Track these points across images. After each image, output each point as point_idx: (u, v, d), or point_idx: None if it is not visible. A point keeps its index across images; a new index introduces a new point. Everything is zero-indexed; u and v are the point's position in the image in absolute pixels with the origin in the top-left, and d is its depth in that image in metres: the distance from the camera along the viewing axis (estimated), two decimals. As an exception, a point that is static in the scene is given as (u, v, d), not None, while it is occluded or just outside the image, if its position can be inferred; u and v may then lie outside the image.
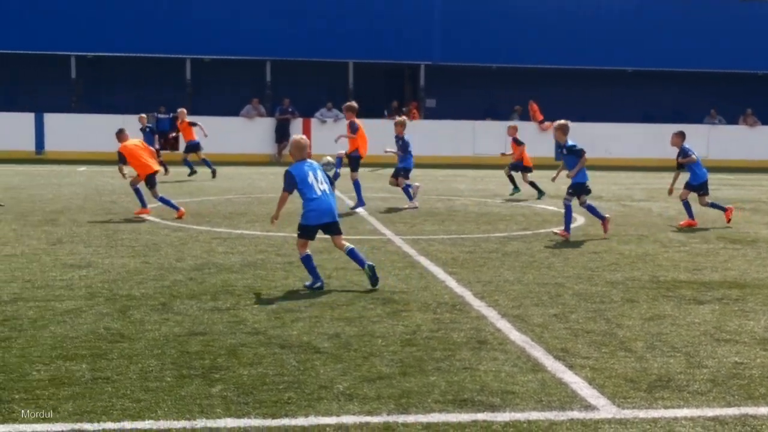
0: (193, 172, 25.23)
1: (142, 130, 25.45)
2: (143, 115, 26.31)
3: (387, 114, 35.95)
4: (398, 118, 19.76)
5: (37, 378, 6.44)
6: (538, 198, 20.69)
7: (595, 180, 27.01)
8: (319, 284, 9.81)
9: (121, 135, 16.49)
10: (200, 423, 5.61)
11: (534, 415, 5.88)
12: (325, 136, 34.64)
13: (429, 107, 37.50)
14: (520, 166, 21.50)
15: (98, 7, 34.05)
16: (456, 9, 35.97)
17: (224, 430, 5.52)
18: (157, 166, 16.31)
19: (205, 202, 18.55)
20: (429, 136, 35.11)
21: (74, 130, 32.50)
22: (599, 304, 9.31)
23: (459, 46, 36.03)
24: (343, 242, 10.12)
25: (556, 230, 14.32)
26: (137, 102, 34.36)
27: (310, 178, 10.05)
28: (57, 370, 6.63)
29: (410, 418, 5.77)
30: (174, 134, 27.46)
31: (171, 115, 34.11)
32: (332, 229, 10.09)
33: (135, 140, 16.71)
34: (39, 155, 32.61)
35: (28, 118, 33.20)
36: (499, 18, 36.22)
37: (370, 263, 9.96)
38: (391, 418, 5.76)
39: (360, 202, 18.00)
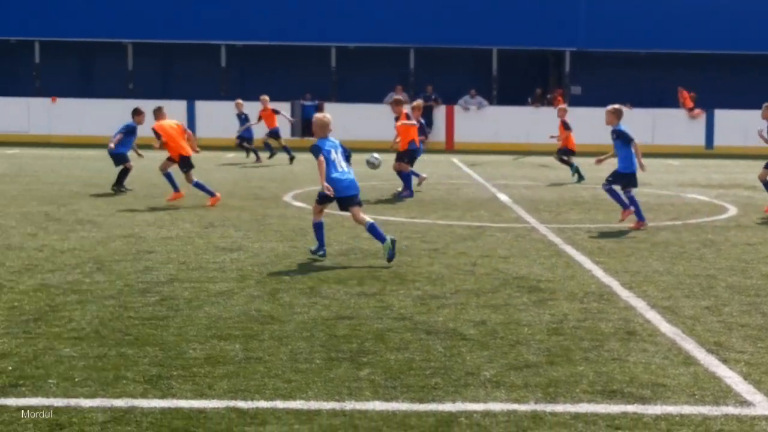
0: (272, 155, 26.04)
1: (238, 116, 25.71)
2: (240, 101, 26.53)
3: (530, 101, 35.61)
4: (415, 102, 19.82)
5: (193, 356, 6.67)
6: (578, 181, 21.19)
7: (749, 168, 26.08)
8: (321, 252, 10.66)
9: (158, 113, 16.52)
10: (349, 405, 5.70)
11: (686, 409, 5.74)
12: (468, 123, 34.64)
13: (574, 94, 36.92)
14: (566, 150, 21.75)
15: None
16: (603, -7, 35.28)
17: (373, 412, 5.60)
18: (189, 150, 15.93)
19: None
20: (575, 123, 34.54)
21: (223, 118, 33.36)
22: (754, 297, 9.01)
23: (605, 32, 35.32)
24: (363, 216, 10.69)
25: (630, 224, 13.61)
26: (283, 90, 35.02)
27: (333, 155, 10.72)
28: (212, 349, 6.85)
29: (558, 408, 5.72)
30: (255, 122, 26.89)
31: (317, 102, 34.66)
32: (354, 201, 10.76)
33: (172, 121, 16.39)
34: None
35: (181, 105, 34.28)
36: (647, 2, 35.31)
37: (392, 237, 10.38)
38: (539, 407, 5.72)
39: (409, 192, 17.61)
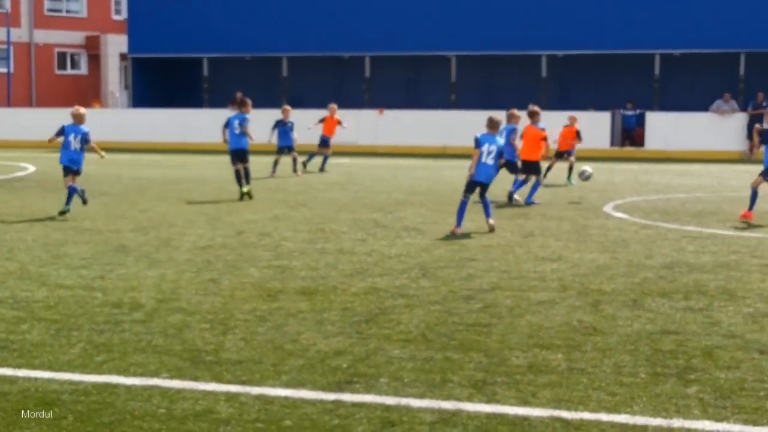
0: (306, 162, 24.78)
1: (282, 122, 24.01)
2: (287, 107, 25.09)
3: None
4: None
5: (516, 364, 6.76)
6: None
7: None
8: (459, 230, 13.26)
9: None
10: (677, 423, 5.56)
11: None
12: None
13: None
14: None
15: (565, 7, 34.70)
16: None
17: (702, 432, 5.42)
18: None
19: (672, 199, 18.21)
20: None
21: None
22: None
23: None
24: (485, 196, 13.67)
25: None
26: (605, 97, 34.54)
27: (485, 148, 13.60)
28: (534, 358, 6.90)
29: None
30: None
31: (638, 111, 33.90)
32: (483, 189, 13.70)
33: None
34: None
35: (501, 116, 34.71)
36: None
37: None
38: None
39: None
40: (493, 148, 13.66)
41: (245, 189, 17.77)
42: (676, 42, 34.05)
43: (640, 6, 34.18)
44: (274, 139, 23.93)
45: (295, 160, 23.87)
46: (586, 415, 5.68)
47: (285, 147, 23.80)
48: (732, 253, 11.71)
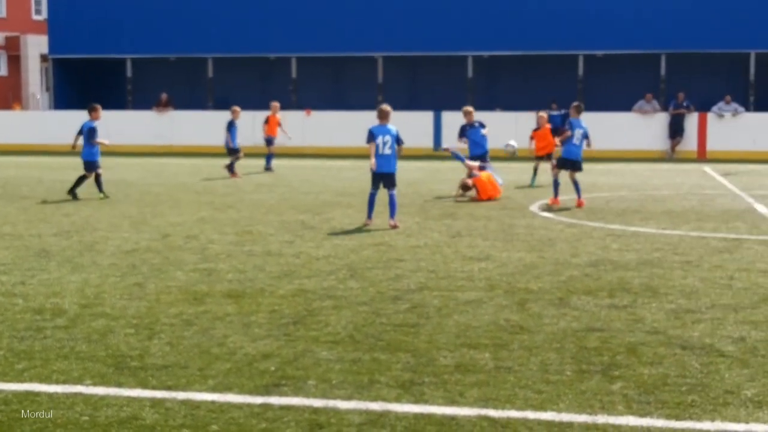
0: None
1: (233, 123, 23.88)
2: (237, 108, 24.75)
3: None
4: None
5: (444, 363, 6.78)
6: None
7: None
8: (371, 222, 14.01)
9: None
10: (601, 419, 5.62)
11: None
12: (722, 131, 33.22)
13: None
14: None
15: (491, 10, 35.00)
16: None
17: (626, 428, 5.49)
18: None
19: (597, 198, 18.47)
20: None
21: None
22: None
23: None
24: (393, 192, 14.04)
25: None
26: (528, 99, 34.90)
27: (380, 140, 14.07)
28: (462, 357, 6.93)
29: (828, 432, 5.40)
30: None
31: (562, 111, 34.32)
32: (388, 180, 14.12)
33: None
34: (436, 151, 34.14)
35: (427, 116, 34.88)
36: None
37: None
38: (806, 431, 5.42)
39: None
40: (388, 138, 14.23)
41: (101, 196, 17.78)
42: (599, 43, 34.56)
43: (563, 8, 34.62)
44: (229, 141, 23.75)
45: (231, 163, 23.65)
46: (513, 414, 5.72)
47: (236, 149, 23.69)
48: (655, 250, 11.91)
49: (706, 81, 35.51)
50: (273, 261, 11.05)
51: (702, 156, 33.20)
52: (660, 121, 33.74)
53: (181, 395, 6.07)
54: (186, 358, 6.92)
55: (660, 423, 5.55)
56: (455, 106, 35.00)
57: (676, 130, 33.36)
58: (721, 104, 33.60)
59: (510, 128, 33.49)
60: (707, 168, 28.00)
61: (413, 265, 10.77)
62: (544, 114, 23.37)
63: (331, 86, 39.24)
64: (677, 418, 5.63)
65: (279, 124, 26.58)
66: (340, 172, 25.43)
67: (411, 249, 11.99)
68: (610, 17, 34.21)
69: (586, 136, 17.39)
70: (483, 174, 18.29)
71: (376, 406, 5.87)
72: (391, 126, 14.46)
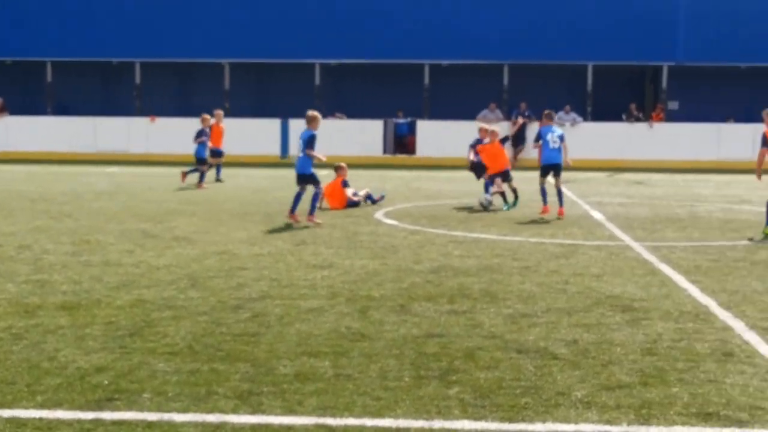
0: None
1: (202, 132, 23.45)
2: (206, 116, 24.32)
3: (625, 117, 35.07)
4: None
5: (283, 373, 6.72)
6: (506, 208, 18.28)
7: None
8: (295, 217, 15.19)
9: None
10: (438, 424, 5.68)
11: (786, 434, 5.57)
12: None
13: (671, 110, 36.27)
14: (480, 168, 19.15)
15: (339, 18, 35.16)
16: (701, 5, 34.57)
17: (462, 431, 5.56)
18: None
19: (441, 205, 18.75)
20: (671, 139, 34.00)
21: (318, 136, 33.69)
22: None
23: (704, 45, 34.60)
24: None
25: None
26: (376, 107, 35.20)
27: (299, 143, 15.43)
28: (302, 366, 6.89)
29: (652, 430, 5.60)
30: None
31: (409, 119, 34.78)
32: (299, 179, 15.47)
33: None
34: (283, 159, 34.03)
35: (275, 123, 34.72)
36: (748, 14, 34.49)
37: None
38: (632, 429, 5.61)
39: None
40: (301, 142, 15.42)
41: None
42: (445, 53, 35.18)
43: (410, 18, 35.08)
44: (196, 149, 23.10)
45: (203, 173, 22.98)
46: (351, 421, 5.71)
47: (203, 158, 23.00)
48: (495, 256, 12.16)
49: (546, 91, 36.60)
50: (111, 271, 10.75)
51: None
52: (504, 129, 34.54)
53: (6, 413, 5.81)
54: (13, 373, 6.64)
55: (494, 426, 5.65)
56: (302, 114, 35.00)
57: (518, 139, 34.25)
58: (561, 114, 34.67)
59: (355, 136, 33.75)
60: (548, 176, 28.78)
61: (256, 274, 10.67)
62: (492, 128, 19.83)
63: (176, 92, 38.60)
64: (510, 420, 5.74)
65: (222, 134, 24.97)
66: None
67: (254, 257, 11.88)
68: (456, 28, 34.88)
69: (562, 138, 17.40)
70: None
71: (212, 417, 5.77)
72: (313, 131, 15.49)
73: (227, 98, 36.11)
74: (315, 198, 15.46)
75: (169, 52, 35.54)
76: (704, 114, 35.18)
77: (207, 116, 24.11)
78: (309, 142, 15.30)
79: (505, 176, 18.73)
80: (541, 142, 17.49)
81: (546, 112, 18.17)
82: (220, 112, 25.61)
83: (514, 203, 18.48)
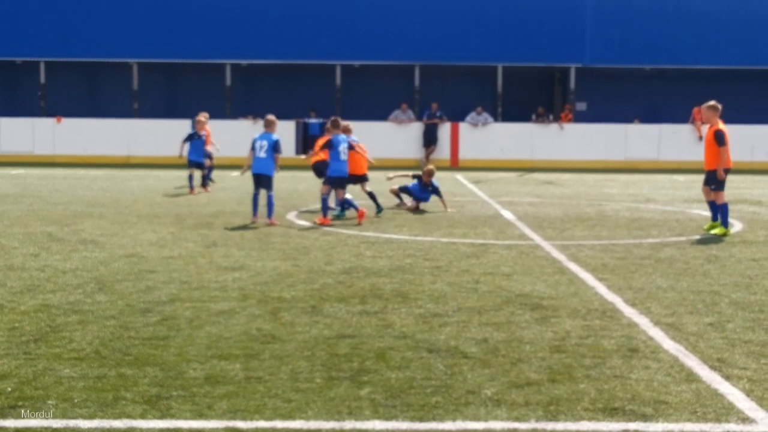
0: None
1: (195, 135, 22.46)
2: (202, 119, 22.87)
3: (534, 118, 35.61)
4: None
5: (193, 376, 6.64)
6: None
7: (755, 184, 26.06)
8: (254, 220, 15.64)
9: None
10: (349, 424, 5.67)
11: (688, 427, 5.70)
12: (473, 140, 34.65)
13: (579, 110, 36.95)
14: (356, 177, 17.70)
15: (250, 17, 34.94)
16: (607, 9, 35.31)
17: (372, 431, 5.57)
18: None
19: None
20: (580, 139, 34.63)
21: (227, 137, 33.43)
22: (758, 313, 8.97)
23: (611, 48, 35.36)
24: (270, 193, 15.70)
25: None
26: (288, 108, 35.08)
27: (257, 145, 15.83)
28: (212, 369, 6.82)
29: (559, 426, 5.69)
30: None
31: (321, 120, 34.72)
32: (265, 181, 15.84)
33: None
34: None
35: (185, 124, 34.34)
36: (653, 17, 35.35)
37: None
38: (540, 425, 5.69)
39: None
40: (264, 143, 15.81)
41: None
42: (356, 53, 35.24)
43: (321, 17, 35.05)
44: (185, 153, 22.01)
45: (204, 177, 22.13)
46: (262, 424, 5.67)
47: (195, 162, 21.91)
48: (407, 256, 12.21)
49: (457, 92, 36.97)
50: (15, 275, 10.49)
51: (455, 164, 34.52)
52: (415, 130, 34.79)
53: None
54: None
55: (405, 425, 5.67)
56: (214, 115, 34.70)
57: (430, 139, 34.54)
58: (473, 114, 35.08)
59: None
60: (459, 176, 29.12)
61: (165, 277, 10.53)
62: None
63: (84, 93, 37.90)
64: (421, 419, 5.77)
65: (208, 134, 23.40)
66: (93, 182, 24.59)
67: (164, 260, 11.72)
68: (367, 29, 34.98)
69: (351, 147, 16.70)
70: None
71: (120, 423, 5.67)
72: (274, 135, 16.05)
73: (136, 98, 35.59)
74: (271, 200, 15.71)
75: (76, 51, 34.87)
76: (611, 115, 35.94)
77: (202, 119, 22.67)
78: (278, 146, 15.96)
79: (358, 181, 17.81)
80: (329, 151, 16.42)
81: (332, 118, 17.21)
82: (206, 114, 23.72)
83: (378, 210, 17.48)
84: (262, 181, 15.94)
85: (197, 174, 22.08)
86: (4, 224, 15.11)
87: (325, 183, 16.61)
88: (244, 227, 15.11)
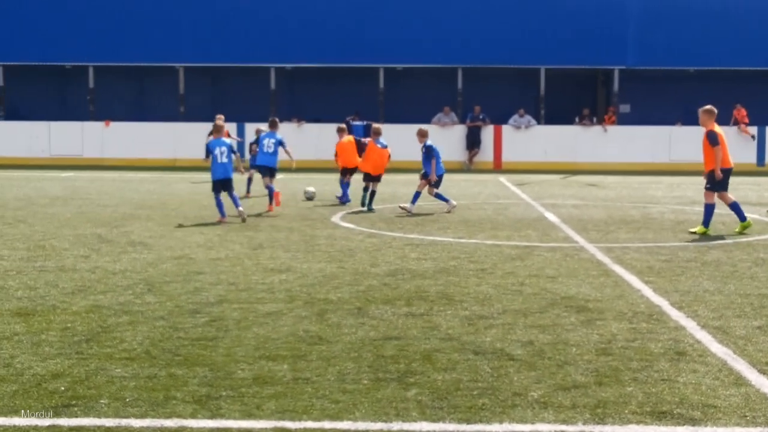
0: None
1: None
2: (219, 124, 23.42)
3: (578, 120, 35.43)
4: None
5: (241, 377, 6.73)
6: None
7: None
8: (222, 220, 16.12)
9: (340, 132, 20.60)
10: (396, 426, 5.72)
11: (737, 431, 5.68)
12: (516, 142, 34.57)
13: (623, 113, 36.70)
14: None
15: (294, 21, 35.13)
16: (652, 11, 35.06)
17: (420, 433, 5.62)
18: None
19: (397, 209, 18.79)
20: (623, 142, 34.40)
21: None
22: (807, 316, 8.89)
23: (655, 50, 35.09)
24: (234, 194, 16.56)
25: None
26: (332, 110, 35.21)
27: (217, 151, 16.43)
28: (260, 370, 6.90)
29: (607, 429, 5.69)
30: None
31: (365, 122, 34.81)
32: (226, 184, 16.50)
33: (349, 137, 20.73)
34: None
35: (231, 127, 34.59)
36: (697, 19, 35.02)
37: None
38: (587, 428, 5.69)
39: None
40: (224, 149, 16.60)
41: None
42: (399, 57, 35.29)
43: (364, 23, 35.15)
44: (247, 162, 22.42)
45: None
46: (310, 424, 5.74)
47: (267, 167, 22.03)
48: (451, 259, 12.24)
49: (500, 94, 36.87)
50: (67, 277, 10.68)
51: (498, 167, 34.46)
52: (458, 133, 34.79)
53: (-38, 420, 5.77)
54: (-31, 380, 6.58)
55: (452, 427, 5.71)
56: (259, 118, 34.94)
57: (473, 142, 34.51)
58: (515, 117, 34.99)
59: (311, 140, 33.76)
60: (502, 178, 29.07)
61: (213, 278, 10.65)
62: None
63: (131, 96, 38.35)
64: (468, 421, 5.80)
65: (228, 134, 23.86)
66: (141, 184, 24.88)
67: (211, 262, 11.85)
68: (410, 32, 35.03)
69: (280, 143, 18.61)
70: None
71: (170, 423, 5.76)
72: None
73: (182, 102, 35.94)
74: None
75: (124, 56, 35.32)
76: (655, 117, 35.65)
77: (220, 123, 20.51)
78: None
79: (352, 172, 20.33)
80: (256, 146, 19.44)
81: (271, 118, 19.63)
82: (221, 117, 23.07)
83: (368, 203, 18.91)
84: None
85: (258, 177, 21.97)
86: (55, 226, 15.36)
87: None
88: (290, 229, 15.22)
